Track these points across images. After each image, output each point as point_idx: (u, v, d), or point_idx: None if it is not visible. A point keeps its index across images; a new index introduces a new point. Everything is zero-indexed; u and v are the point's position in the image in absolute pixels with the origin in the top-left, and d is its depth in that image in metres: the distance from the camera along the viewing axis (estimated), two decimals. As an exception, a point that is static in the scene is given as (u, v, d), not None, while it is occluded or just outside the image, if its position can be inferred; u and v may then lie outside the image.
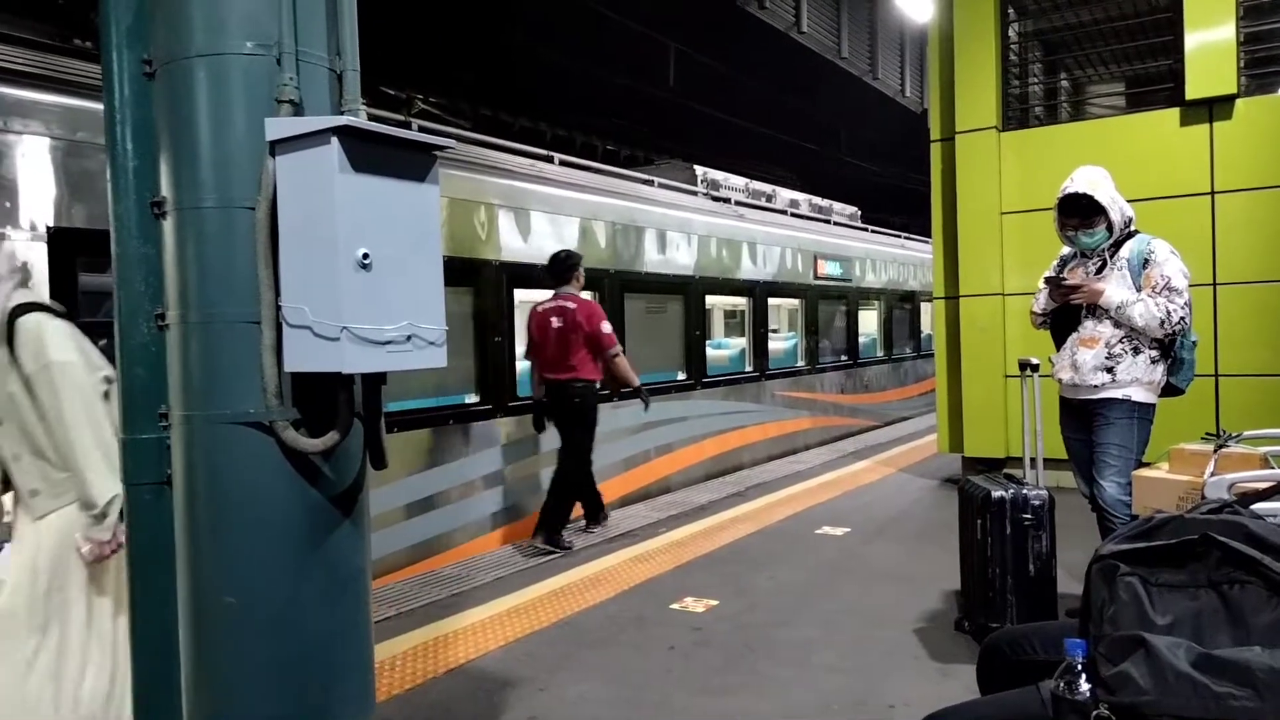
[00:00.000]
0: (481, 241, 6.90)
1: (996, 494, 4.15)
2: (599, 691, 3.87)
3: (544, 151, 8.74)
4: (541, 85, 16.58)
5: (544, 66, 15.87)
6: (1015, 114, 8.17)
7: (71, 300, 4.44)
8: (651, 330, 9.10)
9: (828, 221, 13.73)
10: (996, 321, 7.89)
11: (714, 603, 5.01)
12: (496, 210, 7.09)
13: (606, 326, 6.48)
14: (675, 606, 4.97)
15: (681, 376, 9.41)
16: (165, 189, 2.36)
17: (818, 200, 14.16)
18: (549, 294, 6.61)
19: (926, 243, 11.55)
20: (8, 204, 4.23)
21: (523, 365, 8.23)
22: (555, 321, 6.44)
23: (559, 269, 6.59)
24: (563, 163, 8.75)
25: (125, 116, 2.62)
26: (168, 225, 2.36)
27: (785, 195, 13.24)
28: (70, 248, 4.44)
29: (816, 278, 12.25)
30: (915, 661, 4.10)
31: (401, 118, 7.19)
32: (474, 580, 5.59)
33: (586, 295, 6.74)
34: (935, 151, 8.40)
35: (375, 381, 2.46)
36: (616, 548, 6.36)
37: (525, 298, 7.68)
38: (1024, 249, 7.78)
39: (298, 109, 2.31)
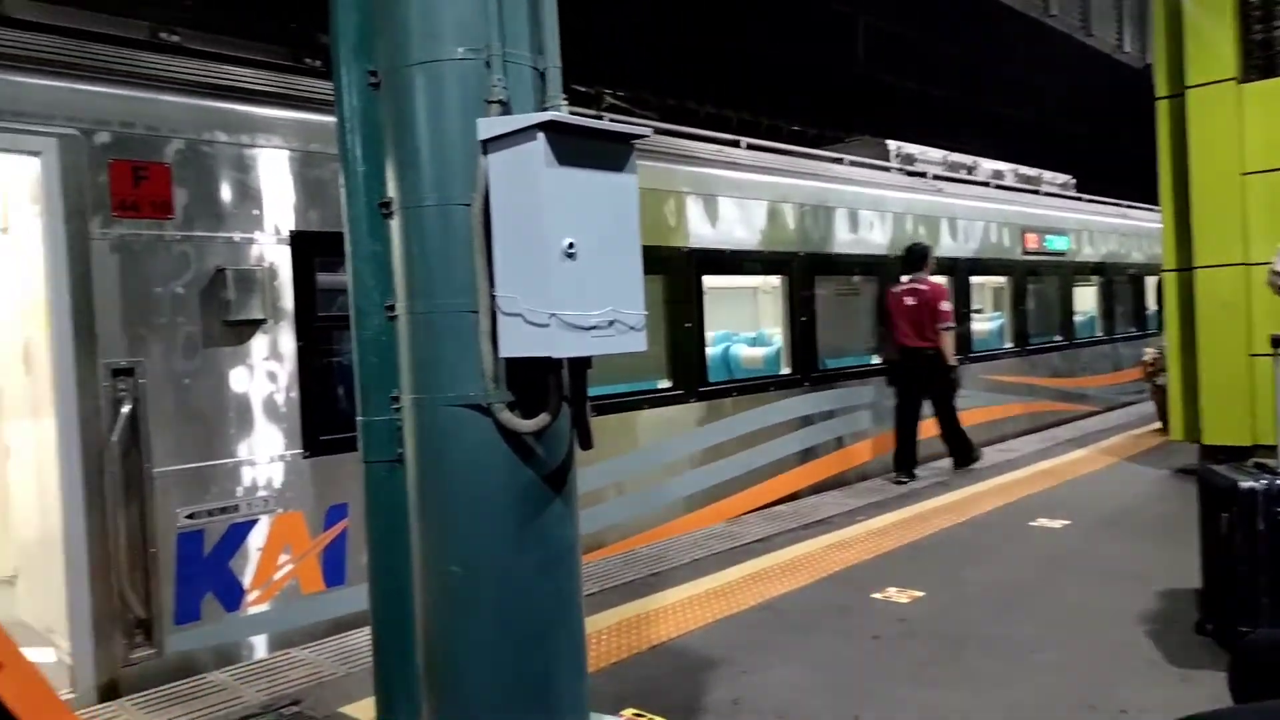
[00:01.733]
0: (671, 229, 6.99)
1: (1246, 484, 3.73)
2: (803, 677, 3.84)
3: (730, 136, 8.72)
4: (727, 70, 16.54)
5: (728, 51, 15.81)
6: (1259, 62, 7.23)
7: (310, 297, 4.92)
8: (844, 313, 8.86)
9: (1036, 192, 12.80)
10: (1240, 295, 7.06)
11: (919, 594, 4.83)
12: (685, 198, 7.15)
13: (946, 305, 7.91)
14: (878, 596, 4.84)
15: (876, 360, 9.12)
16: (391, 190, 2.55)
17: (1025, 170, 13.23)
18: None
19: (1152, 210, 10.51)
20: (255, 211, 4.74)
21: (712, 351, 8.28)
22: (909, 300, 7.92)
23: (914, 258, 8.16)
24: (750, 146, 8.69)
25: (355, 125, 2.87)
26: (394, 224, 2.56)
27: (987, 166, 12.47)
28: (308, 249, 4.91)
29: (1025, 253, 11.47)
30: (1149, 665, 3.77)
31: (594, 113, 7.42)
32: (672, 561, 5.69)
33: (939, 279, 8.26)
34: (1161, 110, 7.61)
35: (581, 365, 2.56)
36: (814, 534, 6.27)
37: (714, 284, 7.71)
38: (1272, 212, 6.90)
39: (506, 108, 2.43)
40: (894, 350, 8.18)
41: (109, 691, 4.08)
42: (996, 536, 6.00)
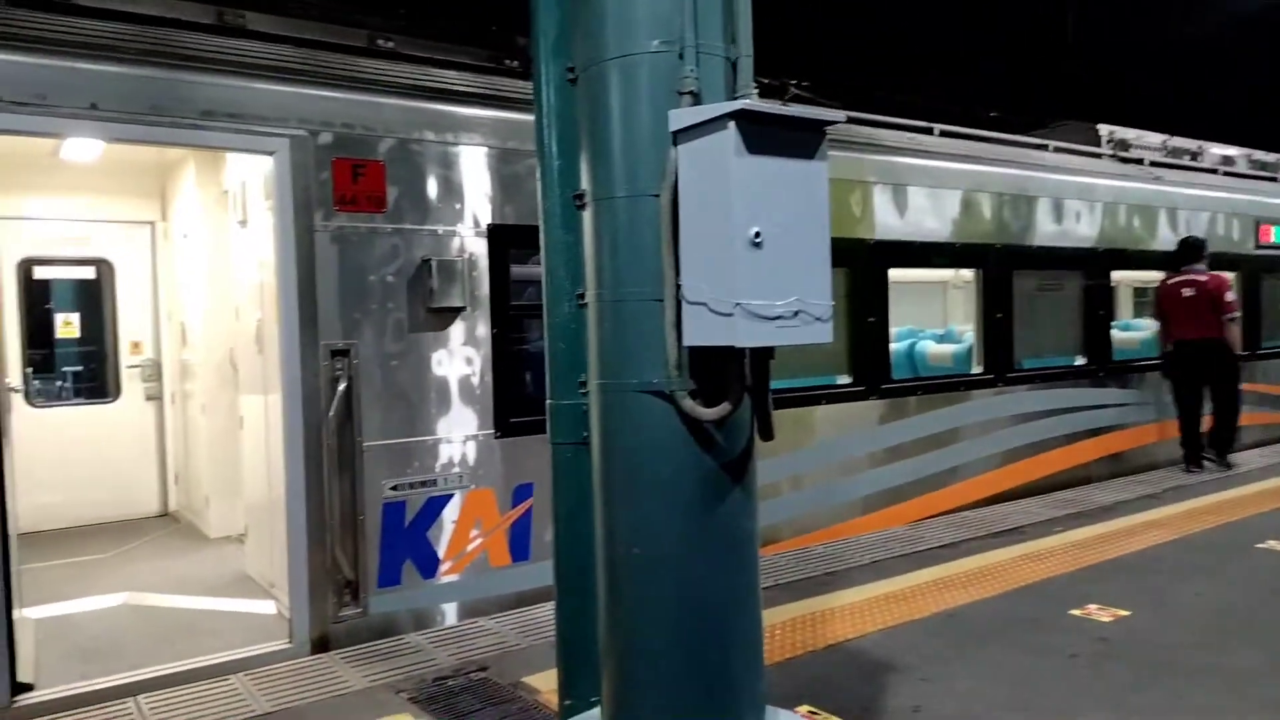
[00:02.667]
0: (856, 220, 6.80)
1: None
2: (990, 691, 3.65)
3: (922, 123, 8.35)
4: (924, 54, 15.85)
5: (922, 33, 15.15)
6: None
7: (504, 287, 5.17)
8: (1045, 310, 8.29)
9: (1275, 179, 11.43)
10: None
11: (1124, 613, 4.46)
12: (872, 188, 6.93)
13: (1230, 295, 8.01)
14: (1076, 612, 4.51)
15: (1081, 361, 8.47)
16: (585, 182, 2.63)
17: (1261, 155, 11.84)
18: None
19: None
20: (457, 205, 5.03)
21: (896, 347, 7.98)
22: (1186, 292, 8.02)
23: (1190, 250, 8.25)
24: (944, 133, 8.29)
25: (551, 121, 2.98)
26: (587, 215, 2.64)
27: (1215, 152, 11.26)
28: (504, 241, 5.16)
29: (1259, 246, 10.29)
30: (1406, 715, 3.30)
31: (780, 103, 7.32)
32: (848, 561, 5.56)
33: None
34: None
35: (764, 356, 2.54)
36: (1005, 543, 5.93)
37: (900, 278, 7.41)
38: None
39: (697, 99, 2.44)
40: (1169, 342, 8.22)
41: (320, 645, 4.48)
42: (1216, 557, 5.43)
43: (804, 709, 3.45)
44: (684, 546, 2.44)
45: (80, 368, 7.44)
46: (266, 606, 5.00)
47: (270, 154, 4.47)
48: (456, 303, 4.94)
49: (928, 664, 3.92)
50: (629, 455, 2.52)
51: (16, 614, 3.89)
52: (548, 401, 3.03)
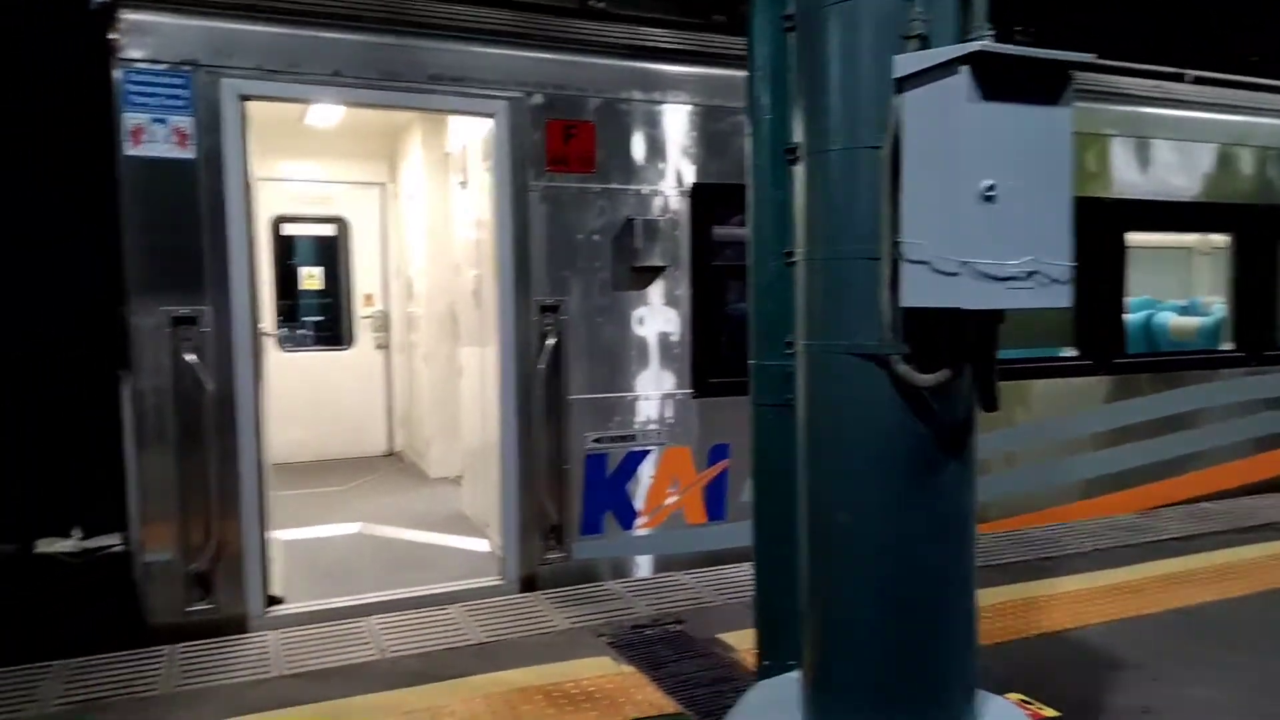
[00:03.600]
0: (1091, 177, 6.20)
1: None
2: (1232, 700, 3.28)
3: (1171, 69, 7.45)
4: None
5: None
6: None
7: (705, 246, 5.16)
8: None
9: None
10: None
11: (1405, 630, 3.87)
12: (1109, 141, 6.29)
13: None
14: (1342, 623, 3.96)
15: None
16: (798, 136, 2.54)
17: None
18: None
19: None
20: (662, 164, 5.05)
21: (1132, 319, 7.25)
22: None
23: None
24: (1197, 80, 7.36)
25: (764, 74, 2.91)
26: (799, 170, 2.54)
27: None
28: (706, 200, 5.14)
29: None
30: None
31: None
32: (1066, 547, 5.17)
33: None
34: None
35: (991, 320, 2.36)
36: (1253, 539, 5.30)
37: (1139, 241, 6.71)
38: None
39: (924, 43, 2.28)
40: None
41: (528, 584, 4.73)
42: None
43: (1015, 696, 3.25)
44: (893, 518, 2.34)
45: (320, 318, 8.23)
46: (480, 545, 5.35)
47: (490, 116, 4.67)
48: (658, 261, 4.98)
49: (1159, 663, 3.58)
50: (836, 420, 2.44)
51: (268, 536, 4.38)
52: (750, 362, 3.00)
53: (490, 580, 4.77)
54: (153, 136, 4.00)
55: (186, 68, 4.05)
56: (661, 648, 3.86)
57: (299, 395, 7.45)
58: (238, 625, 4.18)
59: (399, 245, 7.92)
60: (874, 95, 2.33)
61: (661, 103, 5.09)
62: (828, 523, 2.43)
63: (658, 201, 5.06)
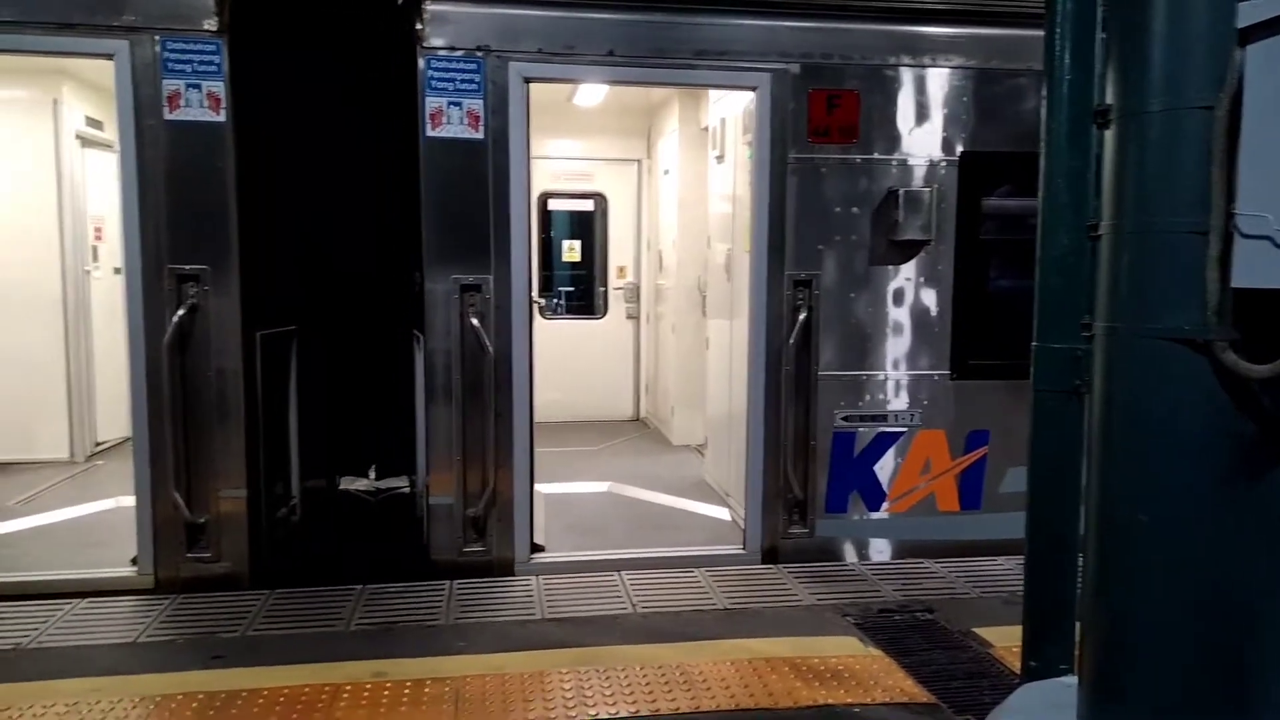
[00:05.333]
0: None
1: None
2: None
3: None
4: None
5: None
6: None
7: (972, 220, 4.87)
8: None
9: None
10: None
11: None
12: None
13: None
14: None
15: None
16: (1109, 97, 2.31)
17: None
18: None
19: None
20: (929, 133, 4.80)
21: None
22: None
23: None
24: None
25: (1065, 31, 2.67)
26: (1108, 135, 2.32)
27: None
28: (976, 170, 4.84)
29: None
30: None
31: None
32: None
33: None
34: None
35: (1345, 305, 2.04)
36: None
37: None
38: None
39: (1280, -15, 1.99)
40: None
41: (769, 555, 4.76)
42: None
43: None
44: (1207, 523, 2.10)
45: (575, 288, 8.68)
46: (722, 513, 5.45)
47: (753, 89, 4.67)
48: (921, 235, 4.77)
49: None
50: (1142, 410, 2.22)
51: (534, 488, 4.71)
52: (1034, 344, 2.80)
53: (732, 548, 4.85)
54: (449, 119, 4.38)
55: (479, 53, 4.39)
56: (911, 634, 3.74)
57: (555, 360, 7.91)
58: (505, 568, 4.54)
59: (652, 220, 8.16)
60: (1207, 48, 2.08)
61: (930, 67, 4.83)
62: (1126, 522, 2.23)
63: (922, 172, 4.83)
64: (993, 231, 4.96)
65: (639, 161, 8.30)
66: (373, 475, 5.76)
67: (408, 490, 5.60)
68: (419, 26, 4.39)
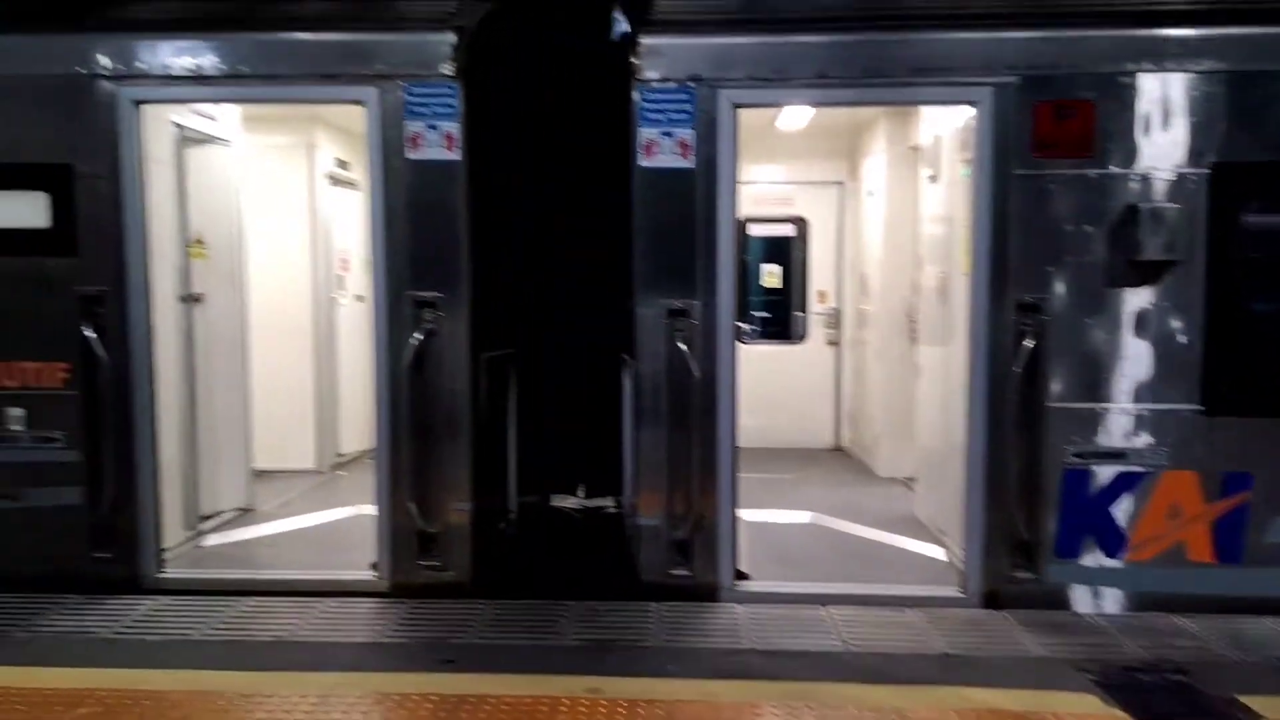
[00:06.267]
0: None
1: None
2: None
3: None
4: None
5: None
6: None
7: (1229, 237, 4.39)
8: None
9: None
10: None
11: None
12: None
13: None
14: None
15: None
16: None
17: None
18: None
19: None
20: (1175, 143, 4.35)
21: None
22: None
23: None
24: None
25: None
26: None
27: None
28: (1233, 182, 4.36)
29: None
30: None
31: None
32: None
33: None
34: None
35: None
36: None
37: None
38: None
39: None
40: None
41: (990, 600, 4.46)
42: None
43: None
44: None
45: (774, 313, 8.61)
46: (935, 551, 5.18)
47: (974, 104, 4.46)
48: (1165, 255, 4.35)
49: None
50: None
51: (737, 514, 4.68)
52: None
53: (948, 590, 4.58)
54: (661, 149, 4.49)
55: (691, 83, 4.47)
56: (1162, 697, 3.38)
57: (751, 386, 7.83)
58: (709, 593, 4.54)
59: (855, 242, 7.97)
60: None
61: (1175, 71, 4.42)
62: None
63: (1166, 186, 4.41)
64: (1254, 250, 4.45)
65: (841, 184, 8.14)
66: (582, 494, 5.95)
67: (614, 510, 5.74)
68: (634, 61, 4.54)
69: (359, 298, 7.75)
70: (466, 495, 4.63)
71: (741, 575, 4.66)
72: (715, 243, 4.53)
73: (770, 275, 8.51)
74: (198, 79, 4.62)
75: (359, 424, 7.58)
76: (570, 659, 3.73)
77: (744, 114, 4.61)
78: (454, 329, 4.61)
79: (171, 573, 4.77)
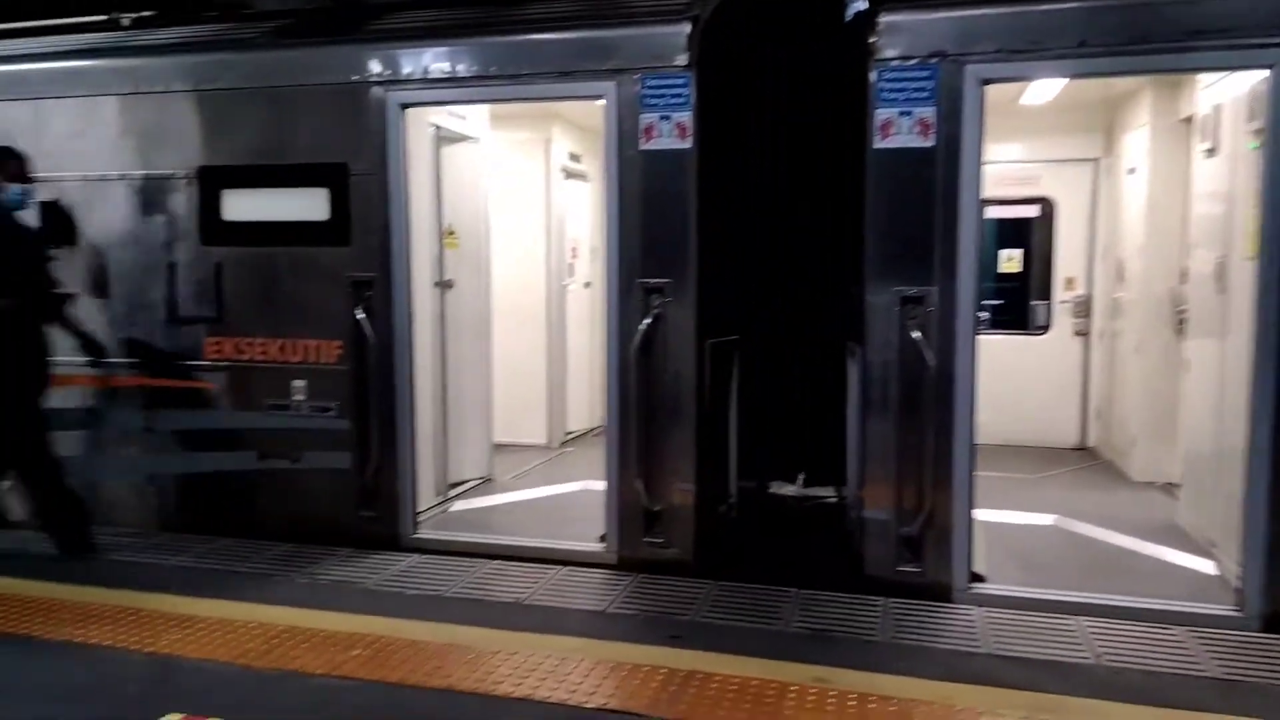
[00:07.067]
0: None
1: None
2: None
3: None
4: None
5: None
6: None
7: None
8: None
9: None
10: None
11: None
12: None
13: None
14: None
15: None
16: None
17: None
18: None
19: None
20: None
21: None
22: None
23: None
24: None
25: None
26: None
27: None
28: None
29: None
30: None
31: None
32: None
33: None
34: None
35: None
36: None
37: None
38: None
39: None
40: None
41: (1272, 622, 3.95)
42: None
43: None
44: None
45: (1010, 301, 8.03)
46: (1203, 565, 4.65)
47: (1267, 68, 3.93)
48: None
49: None
50: None
51: (973, 512, 4.44)
52: None
53: (1221, 609, 4.10)
54: (899, 129, 4.32)
55: (934, 59, 4.27)
56: None
57: (990, 378, 7.39)
58: (941, 593, 4.34)
59: (1111, 225, 7.28)
60: None
61: None
62: None
63: None
64: None
65: (1095, 161, 7.45)
66: (800, 481, 5.88)
67: (835, 500, 5.63)
68: (871, 40, 4.40)
69: (586, 284, 8.09)
70: (690, 477, 4.72)
71: (977, 577, 4.42)
72: (956, 226, 4.31)
73: (1010, 260, 7.96)
74: (453, 82, 4.99)
75: (585, 403, 7.93)
76: (795, 646, 3.70)
77: (988, 90, 4.34)
78: (681, 315, 4.70)
79: (425, 534, 5.23)
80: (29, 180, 4.90)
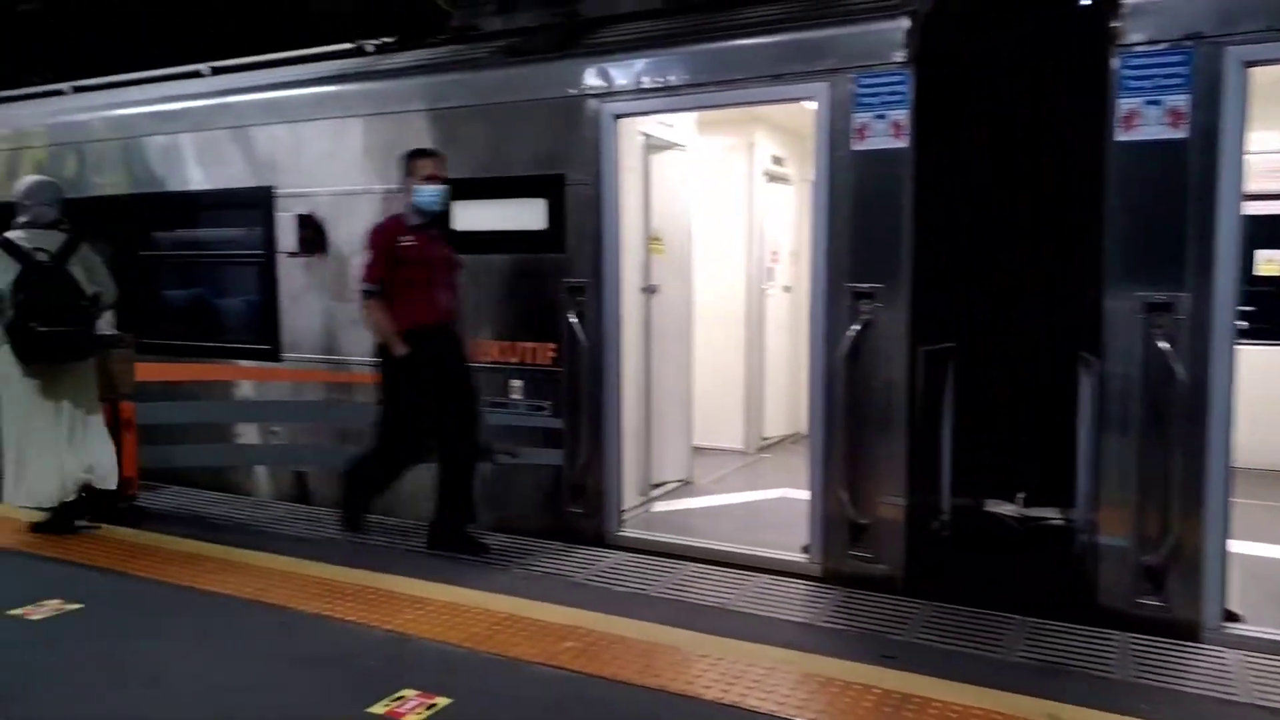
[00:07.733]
0: None
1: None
2: None
3: None
4: None
5: None
6: None
7: None
8: None
9: None
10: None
11: None
12: None
13: None
14: None
15: None
16: None
17: None
18: None
19: None
20: None
21: None
22: None
23: None
24: None
25: None
26: None
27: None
28: None
29: None
30: None
31: None
32: None
33: None
34: None
35: None
36: None
37: None
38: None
39: None
40: None
41: None
42: None
43: None
44: None
45: (1271, 307, 7.13)
46: None
47: None
48: None
49: None
50: None
51: (1228, 544, 3.97)
52: None
53: None
54: (1145, 120, 3.95)
55: (1188, 43, 3.87)
56: None
57: (1247, 394, 6.60)
58: (1188, 631, 3.92)
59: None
60: None
61: None
62: None
63: None
64: None
65: (1380, 148, 6.47)
66: (1021, 501, 5.50)
67: (1061, 523, 5.22)
68: (1113, 24, 4.05)
69: (786, 289, 7.98)
70: (900, 490, 4.54)
71: (1232, 616, 3.96)
72: (1213, 224, 3.88)
73: (1269, 262, 7.08)
74: (665, 91, 5.08)
75: (782, 410, 7.83)
76: (1021, 676, 3.46)
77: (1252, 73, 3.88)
78: (892, 321, 4.53)
79: (629, 532, 5.35)
80: (444, 182, 5.03)
